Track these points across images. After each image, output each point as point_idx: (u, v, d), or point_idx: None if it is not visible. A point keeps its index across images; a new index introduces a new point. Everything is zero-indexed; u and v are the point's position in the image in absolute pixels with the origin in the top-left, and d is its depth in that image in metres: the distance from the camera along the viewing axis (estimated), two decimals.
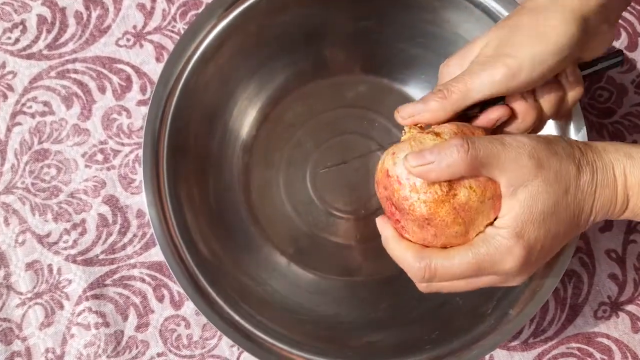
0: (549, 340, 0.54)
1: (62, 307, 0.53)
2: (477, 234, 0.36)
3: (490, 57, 0.37)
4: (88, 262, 0.54)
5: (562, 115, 0.42)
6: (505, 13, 0.48)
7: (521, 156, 0.34)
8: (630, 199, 0.36)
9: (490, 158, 0.34)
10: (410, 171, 0.35)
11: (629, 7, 0.59)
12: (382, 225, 0.38)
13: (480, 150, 0.34)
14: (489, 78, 0.37)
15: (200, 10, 0.56)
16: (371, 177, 0.56)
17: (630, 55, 0.58)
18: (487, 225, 0.36)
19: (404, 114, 0.39)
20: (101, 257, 0.54)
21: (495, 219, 0.36)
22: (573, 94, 0.40)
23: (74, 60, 0.57)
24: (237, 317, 0.46)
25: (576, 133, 0.48)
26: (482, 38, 0.39)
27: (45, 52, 0.57)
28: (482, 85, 0.37)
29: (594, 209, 0.36)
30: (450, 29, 0.52)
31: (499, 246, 0.35)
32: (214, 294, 0.46)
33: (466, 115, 0.39)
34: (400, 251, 0.37)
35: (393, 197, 0.36)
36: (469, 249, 0.35)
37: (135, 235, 0.55)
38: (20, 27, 0.57)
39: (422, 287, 0.37)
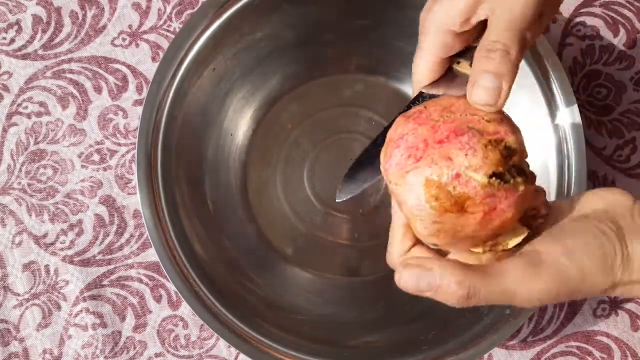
0: (547, 339, 0.54)
1: (59, 308, 0.53)
2: None
3: None
4: (85, 263, 0.54)
5: None
6: None
7: None
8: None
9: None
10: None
11: (627, 4, 0.59)
12: None
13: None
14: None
15: (195, 10, 0.56)
16: None
17: (629, 52, 0.58)
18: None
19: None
20: (98, 257, 0.54)
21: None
22: None
23: (70, 60, 0.57)
24: (232, 318, 0.46)
25: (573, 132, 0.48)
26: None
27: (40, 52, 0.57)
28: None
29: None
30: None
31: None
32: (209, 295, 0.46)
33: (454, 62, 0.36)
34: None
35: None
36: None
37: (132, 236, 0.55)
38: (15, 27, 0.57)
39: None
